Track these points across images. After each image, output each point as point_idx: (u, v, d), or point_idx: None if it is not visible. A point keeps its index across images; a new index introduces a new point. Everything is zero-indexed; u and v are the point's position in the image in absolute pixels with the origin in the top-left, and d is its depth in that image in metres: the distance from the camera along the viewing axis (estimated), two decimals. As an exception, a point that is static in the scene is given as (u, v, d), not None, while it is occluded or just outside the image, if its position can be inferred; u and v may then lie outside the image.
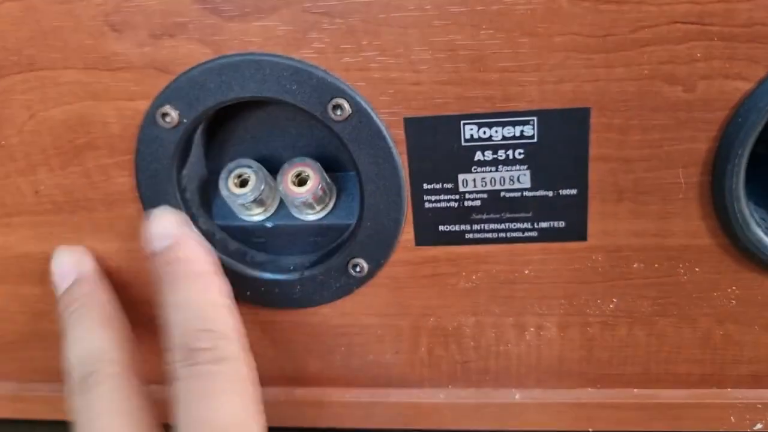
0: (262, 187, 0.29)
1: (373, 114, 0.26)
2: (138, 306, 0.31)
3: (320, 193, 0.28)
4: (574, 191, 0.26)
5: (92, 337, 0.27)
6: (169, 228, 0.27)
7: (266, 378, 0.32)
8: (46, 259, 0.30)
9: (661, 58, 0.24)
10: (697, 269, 0.27)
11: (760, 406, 0.29)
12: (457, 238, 0.28)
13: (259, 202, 0.29)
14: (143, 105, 0.27)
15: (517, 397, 0.31)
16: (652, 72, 0.24)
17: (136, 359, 0.27)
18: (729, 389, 0.30)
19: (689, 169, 0.26)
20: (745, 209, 0.26)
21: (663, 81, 0.24)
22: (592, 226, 0.27)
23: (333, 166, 0.29)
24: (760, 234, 0.26)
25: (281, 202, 0.30)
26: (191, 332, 0.24)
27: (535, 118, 0.25)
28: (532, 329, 0.29)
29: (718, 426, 0.30)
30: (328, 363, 0.32)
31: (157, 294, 0.26)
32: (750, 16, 0.23)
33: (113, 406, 0.25)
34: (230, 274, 0.29)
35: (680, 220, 0.27)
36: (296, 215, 0.30)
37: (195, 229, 0.28)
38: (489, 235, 0.28)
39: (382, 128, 0.26)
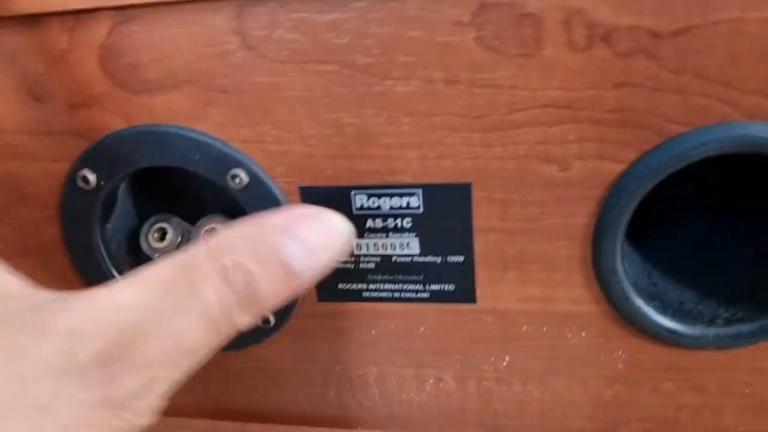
0: (179, 241, 0.31)
1: (270, 183, 0.27)
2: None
3: (232, 248, 0.30)
4: (461, 258, 0.28)
5: None
6: None
7: (192, 409, 0.34)
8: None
9: (536, 138, 0.25)
10: (583, 334, 0.28)
11: (650, 462, 0.30)
12: (355, 296, 0.29)
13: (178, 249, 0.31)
14: (65, 167, 0.29)
15: (418, 443, 0.32)
16: (528, 152, 0.25)
17: None
18: (621, 445, 0.31)
19: (570, 241, 0.27)
20: (624, 281, 0.27)
21: (539, 160, 0.25)
22: (481, 290, 0.28)
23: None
24: (640, 304, 0.27)
25: (202, 252, 0.32)
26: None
27: (419, 191, 0.27)
28: (431, 381, 0.31)
29: (610, 479, 0.31)
30: (249, 400, 0.34)
31: None
32: (618, 103, 0.24)
33: None
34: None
35: (564, 289, 0.28)
36: (214, 266, 0.32)
37: None
38: (384, 294, 0.29)
39: (279, 197, 0.27)
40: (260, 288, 0.18)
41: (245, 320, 0.18)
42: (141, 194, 0.32)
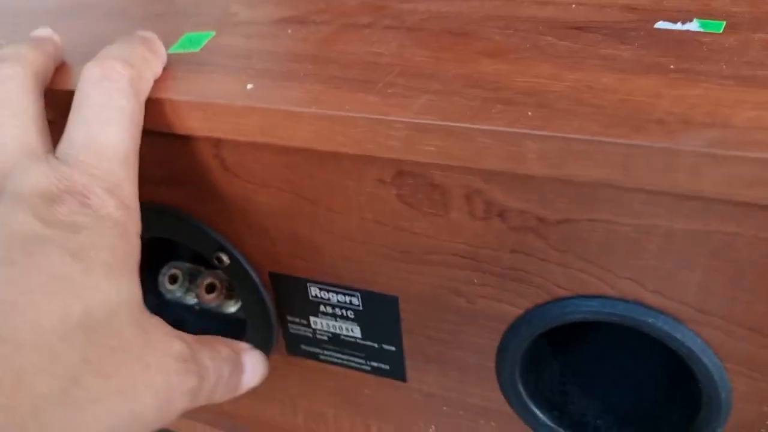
0: (187, 284, 0.38)
1: (247, 267, 0.34)
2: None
3: (225, 296, 0.37)
4: (393, 347, 0.33)
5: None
6: None
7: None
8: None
9: (448, 276, 0.29)
10: (493, 424, 0.33)
11: None
12: (314, 356, 0.36)
13: (187, 291, 0.39)
14: (101, 223, 0.37)
15: (363, 473, 0.39)
16: (441, 284, 0.30)
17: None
18: None
19: (479, 355, 0.31)
20: (523, 395, 0.31)
21: (450, 292, 0.30)
22: (410, 373, 0.34)
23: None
24: (537, 413, 0.31)
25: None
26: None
27: (358, 294, 0.32)
28: (374, 429, 0.37)
29: None
30: (237, 409, 0.42)
31: None
32: (513, 264, 0.28)
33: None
34: (166, 340, 0.39)
35: (476, 388, 0.32)
36: (212, 308, 0.39)
37: None
38: (336, 360, 0.35)
39: (255, 279, 0.34)
40: None
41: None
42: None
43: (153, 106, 0.28)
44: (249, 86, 0.28)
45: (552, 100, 0.24)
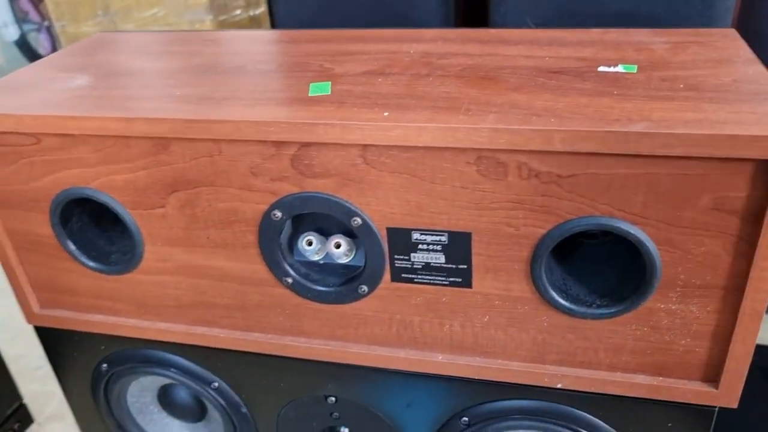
0: (319, 245, 0.58)
1: (372, 225, 0.54)
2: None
3: (347, 251, 0.58)
4: (465, 266, 0.55)
5: None
6: None
7: (316, 334, 0.62)
8: (208, 267, 0.61)
9: (503, 215, 0.51)
10: (526, 307, 0.56)
11: (560, 375, 0.58)
12: (410, 281, 0.57)
13: (316, 251, 0.59)
14: (264, 207, 0.56)
15: (439, 357, 0.60)
16: (500, 221, 0.52)
17: None
18: (546, 365, 0.58)
19: (519, 263, 0.53)
20: (546, 283, 0.53)
21: (504, 225, 0.52)
22: (475, 281, 0.55)
23: (353, 235, 0.58)
24: (553, 294, 0.54)
25: (328, 253, 0.59)
26: None
27: (446, 233, 0.54)
28: (447, 326, 0.58)
29: (538, 382, 0.58)
30: (347, 331, 0.62)
31: None
32: (542, 204, 0.50)
33: None
34: (300, 285, 0.59)
35: (517, 285, 0.55)
36: (335, 259, 0.59)
37: None
38: (425, 281, 0.56)
39: (377, 232, 0.55)
40: None
41: None
42: (295, 221, 0.59)
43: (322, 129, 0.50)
44: (385, 114, 0.50)
45: (559, 112, 0.47)
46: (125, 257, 0.65)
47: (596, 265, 0.57)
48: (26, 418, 1.25)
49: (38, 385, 1.31)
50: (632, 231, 0.49)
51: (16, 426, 1.21)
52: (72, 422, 0.86)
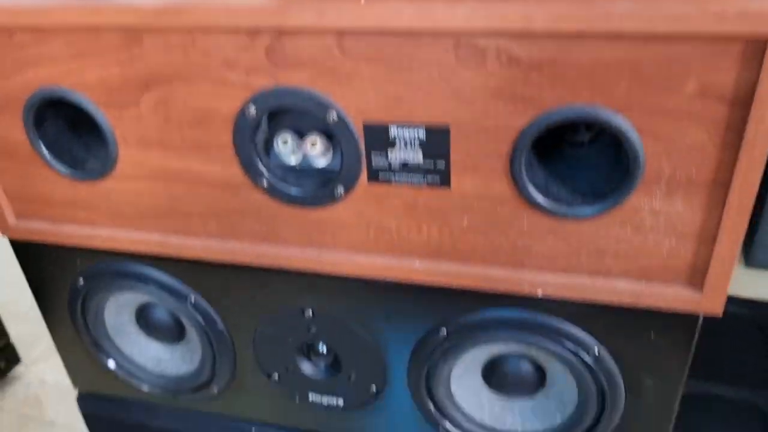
0: (294, 145, 0.57)
1: (348, 120, 0.53)
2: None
3: (323, 151, 0.56)
4: (443, 164, 0.53)
5: None
6: None
7: (292, 241, 0.61)
8: (183, 171, 0.60)
9: (483, 107, 0.50)
10: (506, 208, 0.54)
11: (540, 281, 0.56)
12: (388, 181, 0.55)
13: (291, 152, 0.57)
14: (239, 104, 0.55)
15: (416, 264, 0.59)
16: (479, 112, 0.50)
17: None
18: (526, 271, 0.57)
19: (499, 158, 0.52)
20: (526, 180, 0.52)
21: (483, 117, 0.50)
22: (453, 180, 0.54)
23: (333, 135, 0.57)
24: (532, 192, 0.52)
25: (304, 154, 0.58)
26: None
27: (423, 127, 0.52)
28: (425, 230, 0.57)
29: (518, 290, 0.57)
30: (323, 237, 0.60)
31: None
32: (523, 92, 0.48)
33: None
34: (276, 189, 0.57)
35: (496, 183, 0.53)
36: (311, 161, 0.58)
37: None
38: (403, 180, 0.55)
39: (353, 128, 0.53)
40: None
41: None
42: (270, 121, 0.58)
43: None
44: (363, 2, 0.48)
45: None
46: (100, 163, 0.63)
47: (579, 169, 0.56)
48: (13, 357, 1.25)
49: (26, 327, 1.32)
50: (614, 120, 0.47)
51: (2, 364, 1.21)
52: (58, 364, 0.85)
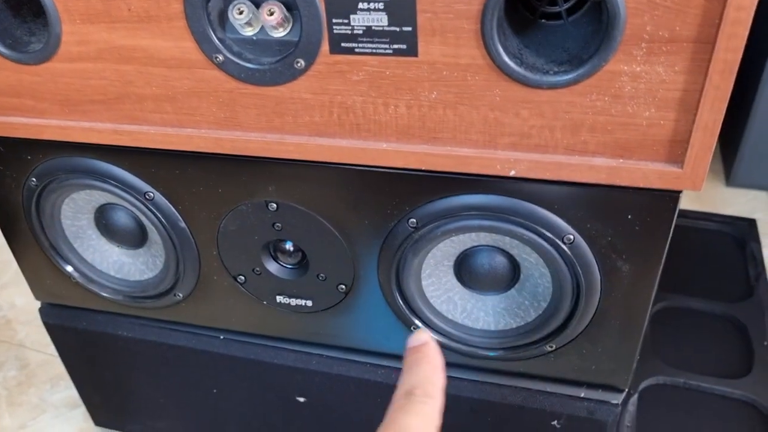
0: (250, 15, 0.52)
1: (305, -23, 0.48)
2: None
3: (281, 21, 0.52)
4: (410, 28, 0.49)
5: None
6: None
7: (252, 125, 0.57)
8: (133, 49, 0.55)
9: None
10: (477, 77, 0.50)
11: (513, 160, 0.53)
12: (351, 51, 0.51)
13: (248, 23, 0.53)
14: (187, -36, 0.50)
15: (383, 145, 0.55)
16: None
17: None
18: (498, 150, 0.54)
19: (469, 20, 0.48)
20: (498, 46, 0.48)
21: (452, -30, 0.46)
22: (421, 49, 0.50)
23: (292, 5, 0.52)
24: (506, 59, 0.49)
25: (262, 26, 0.54)
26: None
27: (387, -13, 0.48)
28: (391, 107, 0.53)
29: (490, 171, 0.54)
30: (284, 119, 0.57)
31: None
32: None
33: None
34: (233, 65, 0.53)
35: (466, 49, 0.49)
36: (269, 33, 0.53)
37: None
38: (367, 50, 0.51)
39: (309, -14, 0.49)
40: None
41: None
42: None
43: None
44: None
45: None
46: (43, 44, 0.58)
47: (557, 40, 0.52)
48: (-21, 282, 1.22)
49: (-7, 253, 1.28)
50: (593, -33, 0.44)
51: (-32, 289, 1.18)
52: (27, 290, 0.82)
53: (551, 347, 0.64)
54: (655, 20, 0.45)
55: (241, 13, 0.52)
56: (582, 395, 0.67)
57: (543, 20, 0.53)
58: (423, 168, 0.56)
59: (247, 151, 0.59)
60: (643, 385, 0.91)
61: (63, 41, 0.57)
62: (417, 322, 0.65)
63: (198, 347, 0.77)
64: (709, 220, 1.16)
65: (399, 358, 0.70)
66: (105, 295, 0.75)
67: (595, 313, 0.60)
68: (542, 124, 0.51)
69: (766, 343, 0.97)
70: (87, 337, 0.81)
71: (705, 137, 0.48)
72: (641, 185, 0.52)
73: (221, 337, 0.76)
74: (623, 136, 0.51)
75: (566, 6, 0.52)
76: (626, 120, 0.50)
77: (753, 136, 1.30)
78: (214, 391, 0.81)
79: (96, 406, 0.92)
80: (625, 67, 0.47)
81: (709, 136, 0.48)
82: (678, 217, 0.53)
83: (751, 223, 1.18)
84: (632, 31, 0.46)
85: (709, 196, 1.37)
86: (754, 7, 0.43)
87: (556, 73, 0.49)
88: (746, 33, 0.44)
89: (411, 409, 0.39)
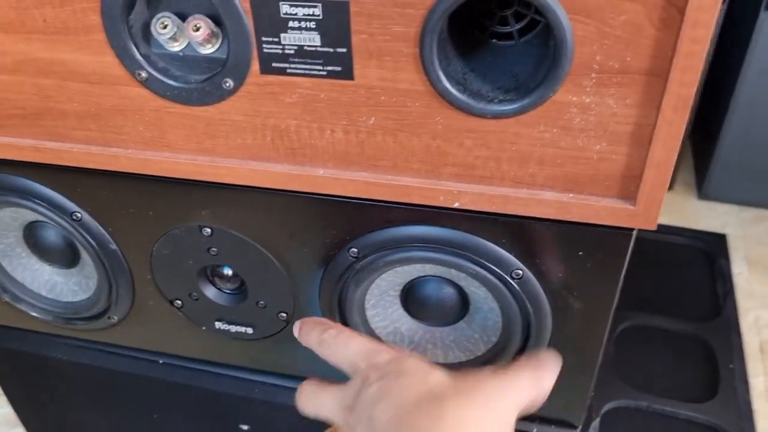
0: (175, 30, 0.48)
1: (230, -8, 0.44)
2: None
3: (207, 37, 0.48)
4: (344, 50, 0.45)
5: None
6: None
7: (181, 146, 0.53)
8: (51, 62, 0.51)
9: (386, -24, 0.42)
10: (417, 103, 0.47)
11: (457, 192, 0.50)
12: (282, 71, 0.47)
13: (173, 38, 0.49)
14: (104, -27, 0.46)
15: (320, 172, 0.52)
16: (381, -16, 0.42)
17: None
18: (442, 180, 0.50)
19: (407, 42, 0.44)
20: (439, 71, 0.44)
21: (387, -10, 0.42)
22: (357, 72, 0.46)
23: (218, 20, 0.48)
24: (447, 86, 0.45)
25: (189, 41, 0.49)
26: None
27: (320, 4, 0.44)
28: (328, 132, 0.50)
29: (432, 201, 0.50)
30: (216, 141, 0.53)
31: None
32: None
33: None
34: (158, 82, 0.49)
35: (405, 74, 0.45)
36: (197, 49, 0.49)
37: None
38: (299, 71, 0.47)
39: (238, 6, 0.45)
40: None
41: None
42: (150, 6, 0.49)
43: None
44: None
45: None
46: (-44, 53, 0.54)
47: (504, 65, 0.48)
48: None
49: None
50: (539, -9, 0.40)
51: None
52: None
53: (502, 382, 0.60)
54: (605, 49, 0.42)
55: (165, 27, 0.48)
56: (534, 431, 0.64)
57: (493, 40, 0.49)
58: (362, 197, 0.52)
59: (176, 173, 0.55)
60: (605, 408, 0.88)
61: (-25, 52, 0.53)
62: (361, 354, 0.62)
63: (136, 371, 0.73)
64: (677, 234, 1.14)
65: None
66: (35, 315, 0.71)
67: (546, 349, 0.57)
68: (488, 155, 0.48)
69: (731, 366, 0.94)
70: (20, 358, 0.77)
71: (658, 174, 0.45)
72: (592, 221, 0.49)
73: (160, 361, 0.72)
74: (573, 169, 0.47)
75: (518, 26, 0.49)
76: (576, 153, 0.46)
77: (726, 148, 1.27)
78: (155, 416, 0.77)
79: (35, 427, 0.87)
80: (574, 98, 0.44)
81: (663, 173, 0.45)
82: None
83: (721, 239, 1.15)
84: (581, 60, 0.42)
85: (681, 209, 1.35)
86: (708, 40, 0.39)
87: (501, 102, 0.45)
88: (701, 66, 0.41)
89: (341, 342, 0.47)
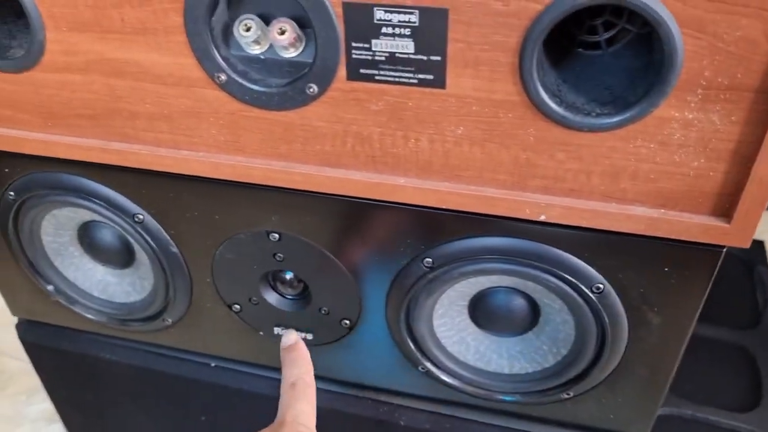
0: (258, 33, 0.47)
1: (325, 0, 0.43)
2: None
3: (293, 41, 0.47)
4: (438, 58, 0.44)
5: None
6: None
7: (255, 150, 0.52)
8: (126, 62, 0.50)
9: (491, -16, 0.40)
10: (510, 115, 0.45)
11: (543, 204, 0.48)
12: (371, 78, 0.46)
13: (255, 41, 0.47)
14: (191, -26, 0.44)
15: (401, 181, 0.50)
16: (485, -9, 0.41)
17: None
18: (527, 192, 0.49)
19: (506, 53, 0.43)
20: (537, 82, 0.43)
21: (500, 4, 0.41)
22: (449, 81, 0.45)
23: (306, 23, 0.47)
24: (545, 98, 0.44)
25: (271, 44, 0.48)
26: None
27: (417, 10, 0.42)
28: (412, 140, 0.48)
29: (518, 214, 0.49)
30: (292, 147, 0.51)
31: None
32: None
33: None
34: (237, 86, 0.48)
35: (501, 84, 0.44)
36: (279, 53, 0.48)
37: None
38: (389, 78, 0.46)
39: (330, 10, 0.43)
40: None
41: None
42: (231, 1, 0.47)
43: None
44: None
45: None
46: (25, 50, 0.52)
47: (596, 76, 0.47)
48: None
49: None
50: (650, 5, 0.39)
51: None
52: None
53: (568, 395, 0.59)
54: (715, 65, 0.40)
55: (248, 29, 0.47)
56: (596, 444, 0.63)
57: (580, 49, 0.48)
58: (444, 207, 0.51)
59: (248, 178, 0.53)
60: (649, 416, 0.87)
61: (47, 49, 0.51)
62: (426, 363, 0.61)
63: (187, 375, 0.72)
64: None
65: (403, 395, 0.66)
66: (90, 316, 0.70)
67: (618, 363, 0.56)
68: (578, 168, 0.47)
69: (775, 375, 0.94)
70: (67, 358, 0.76)
71: (759, 191, 0.44)
72: (683, 238, 0.47)
73: (212, 364, 0.71)
74: (667, 185, 0.46)
75: (606, 36, 0.47)
76: (672, 169, 0.45)
77: None
78: (203, 418, 0.76)
79: (75, 425, 0.86)
80: (677, 114, 0.43)
81: (764, 191, 0.44)
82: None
83: (759, 245, 1.14)
84: (688, 76, 0.41)
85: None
86: (830, 57, 0.38)
87: (598, 115, 0.44)
88: (818, 84, 0.39)
89: (299, 396, 0.49)
